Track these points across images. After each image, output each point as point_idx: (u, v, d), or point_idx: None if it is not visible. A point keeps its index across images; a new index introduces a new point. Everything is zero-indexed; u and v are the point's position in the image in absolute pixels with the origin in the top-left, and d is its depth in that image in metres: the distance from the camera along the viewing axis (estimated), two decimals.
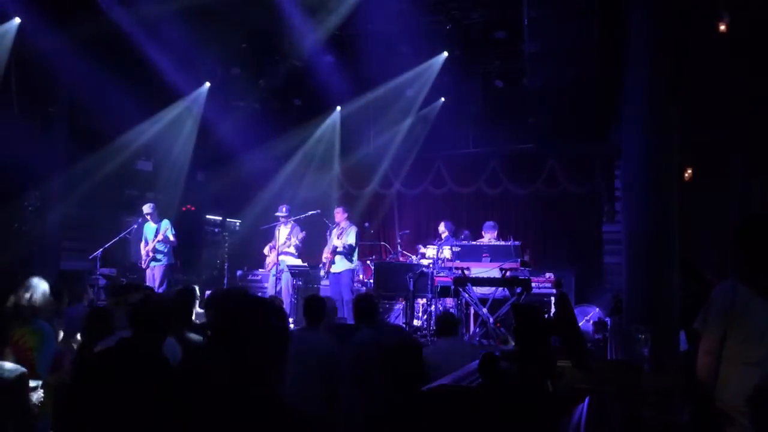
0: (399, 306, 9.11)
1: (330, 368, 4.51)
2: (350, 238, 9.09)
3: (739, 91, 7.97)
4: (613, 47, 7.24)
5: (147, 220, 9.24)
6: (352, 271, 9.15)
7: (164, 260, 9.17)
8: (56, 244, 9.59)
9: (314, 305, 4.87)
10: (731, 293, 3.37)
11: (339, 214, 9.40)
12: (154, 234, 9.15)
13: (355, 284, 9.50)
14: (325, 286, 9.73)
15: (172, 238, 9.16)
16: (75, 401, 2.89)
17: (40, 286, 4.15)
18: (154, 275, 9.10)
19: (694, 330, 3.59)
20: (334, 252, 9.09)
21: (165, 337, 3.19)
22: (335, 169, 12.23)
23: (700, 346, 3.44)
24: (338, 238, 9.10)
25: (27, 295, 4.04)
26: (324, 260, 9.25)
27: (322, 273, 9.64)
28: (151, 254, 9.12)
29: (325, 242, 9.65)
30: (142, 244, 9.25)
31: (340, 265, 9.08)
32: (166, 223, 9.19)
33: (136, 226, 9.38)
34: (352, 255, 9.11)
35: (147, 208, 9.24)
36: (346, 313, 8.59)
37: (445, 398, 2.80)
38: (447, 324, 4.96)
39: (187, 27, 8.91)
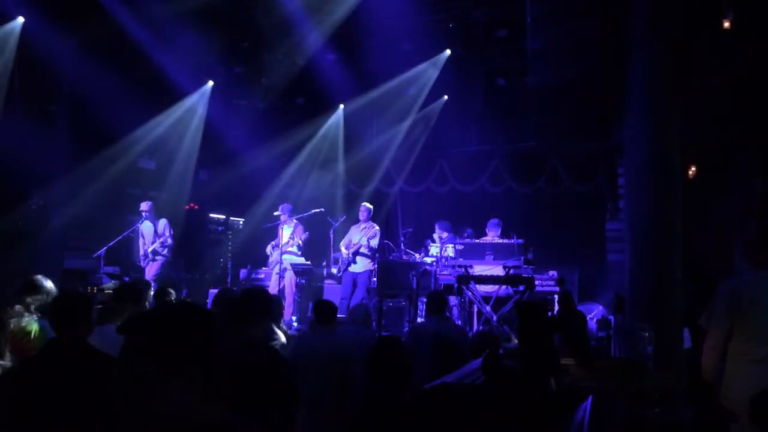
0: (402, 304, 9.09)
1: (348, 366, 4.54)
2: (375, 240, 9.06)
3: (743, 90, 7.95)
4: (616, 45, 7.22)
5: (144, 219, 9.24)
6: (370, 272, 9.14)
7: (161, 259, 9.18)
8: (60, 243, 9.62)
9: (325, 307, 4.92)
10: (738, 290, 3.38)
11: (365, 213, 9.35)
12: (153, 233, 9.15)
13: None
14: (329, 284, 9.73)
15: (170, 240, 9.17)
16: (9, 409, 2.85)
17: (49, 285, 4.15)
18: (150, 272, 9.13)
19: (699, 327, 3.60)
20: (357, 252, 9.07)
21: (88, 331, 3.09)
22: (338, 168, 12.23)
23: (704, 343, 3.46)
24: (363, 237, 9.07)
25: (42, 297, 4.04)
26: (345, 256, 9.21)
27: (334, 271, 9.62)
28: (150, 255, 9.12)
29: (328, 240, 9.65)
30: (141, 242, 9.26)
31: (361, 264, 9.05)
32: (164, 223, 9.19)
33: (139, 225, 9.39)
34: (373, 256, 9.12)
35: (144, 206, 9.24)
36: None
37: (449, 395, 2.80)
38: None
39: (189, 26, 8.92)
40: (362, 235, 9.11)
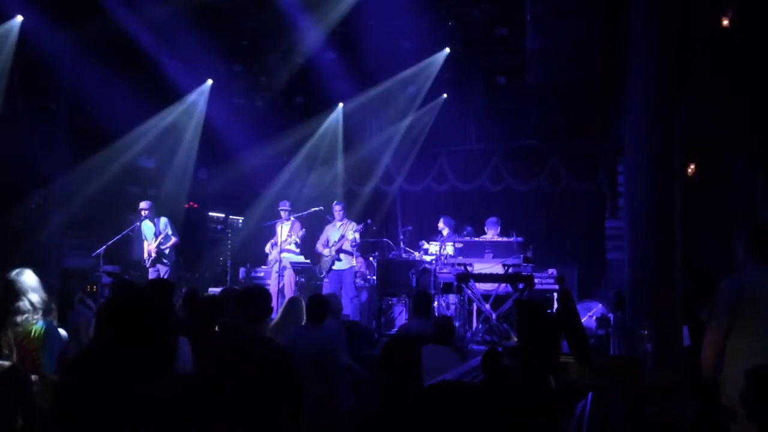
0: (402, 302, 9.10)
1: (325, 365, 4.54)
2: (357, 235, 9.06)
3: (742, 88, 7.95)
4: (615, 43, 7.23)
5: (144, 218, 9.22)
6: (353, 269, 9.15)
7: (168, 261, 9.13)
8: (59, 242, 9.61)
9: (317, 304, 4.92)
10: (740, 286, 3.39)
11: (341, 212, 9.36)
12: (154, 233, 9.11)
13: (359, 281, 9.50)
14: (328, 283, 9.72)
15: (173, 238, 9.12)
16: (61, 400, 2.84)
17: (24, 280, 4.04)
18: (160, 275, 9.03)
19: (699, 322, 3.61)
20: (340, 249, 9.07)
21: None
22: (338, 166, 12.23)
23: (705, 337, 3.47)
24: (343, 235, 9.07)
25: (32, 298, 4.00)
26: (327, 255, 9.20)
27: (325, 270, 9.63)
28: (154, 254, 9.05)
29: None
30: (146, 243, 9.22)
31: (346, 261, 9.06)
32: (164, 222, 9.15)
33: (139, 224, 9.33)
34: (353, 252, 9.13)
35: (144, 205, 9.20)
36: (350, 311, 8.58)
37: (448, 394, 2.81)
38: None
39: (188, 24, 8.91)
40: (342, 232, 9.11)
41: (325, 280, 9.77)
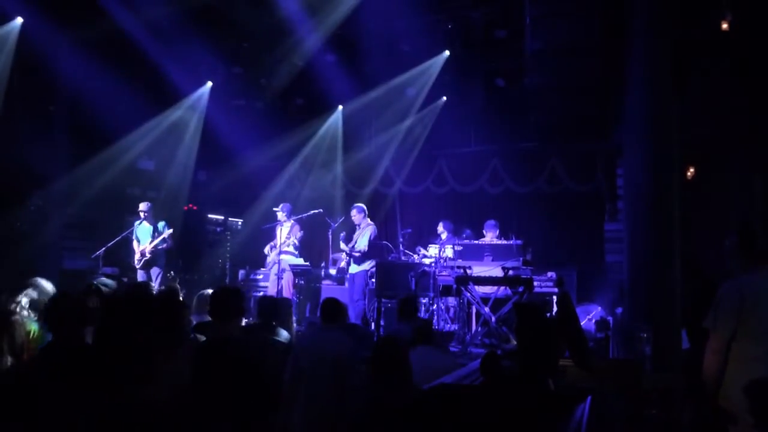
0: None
1: (341, 367, 4.52)
2: (362, 240, 8.99)
3: (742, 88, 7.96)
4: (614, 45, 7.24)
5: (142, 220, 9.17)
6: (366, 272, 9.09)
7: (160, 262, 9.13)
8: (59, 244, 9.60)
9: (332, 306, 4.92)
10: (741, 290, 3.37)
11: (357, 216, 9.20)
12: (151, 235, 9.09)
13: None
14: (327, 285, 9.71)
15: (170, 240, 9.10)
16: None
17: (47, 288, 4.14)
18: (151, 279, 9.04)
19: (698, 328, 3.59)
20: (348, 254, 9.05)
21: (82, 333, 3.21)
22: (337, 168, 12.23)
23: (708, 345, 3.44)
24: (355, 240, 9.04)
25: (35, 296, 4.04)
26: (342, 258, 9.19)
27: (332, 271, 9.58)
28: (148, 255, 9.02)
29: (326, 241, 9.63)
30: (135, 244, 9.14)
31: (355, 266, 9.04)
32: (163, 225, 9.12)
33: (137, 225, 9.33)
34: (363, 259, 8.99)
35: (143, 207, 9.17)
36: (351, 313, 8.53)
37: (448, 396, 2.80)
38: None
39: (188, 26, 8.91)
40: (356, 237, 9.11)
41: (325, 282, 9.77)
